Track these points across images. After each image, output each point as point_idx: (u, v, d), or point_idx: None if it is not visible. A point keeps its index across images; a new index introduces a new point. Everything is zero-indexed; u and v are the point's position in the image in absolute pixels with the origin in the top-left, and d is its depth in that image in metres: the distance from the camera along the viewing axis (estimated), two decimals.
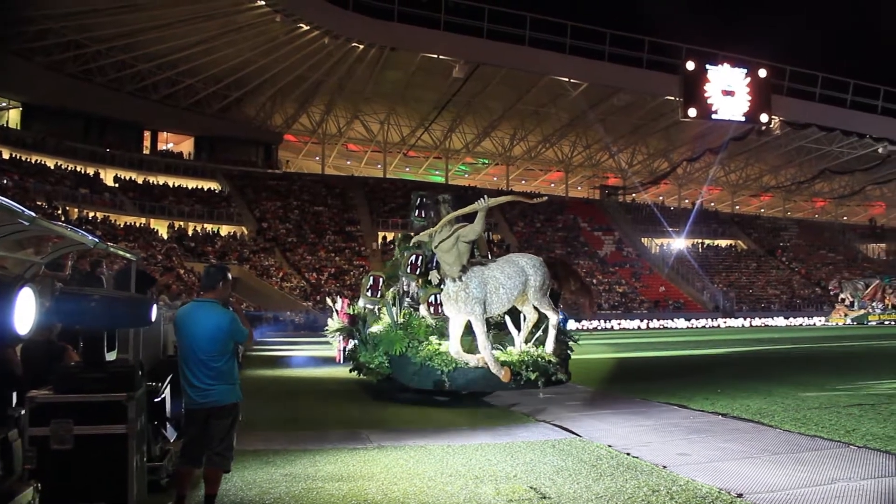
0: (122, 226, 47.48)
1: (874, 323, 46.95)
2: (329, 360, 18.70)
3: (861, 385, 11.92)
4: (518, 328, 10.97)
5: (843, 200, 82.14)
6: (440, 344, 10.69)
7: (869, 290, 49.44)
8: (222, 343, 5.02)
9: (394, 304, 11.77)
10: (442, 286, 10.98)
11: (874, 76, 68.69)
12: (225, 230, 53.59)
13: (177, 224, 51.54)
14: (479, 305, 9.52)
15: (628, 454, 6.48)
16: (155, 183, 55.11)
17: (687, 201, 78.33)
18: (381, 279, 12.70)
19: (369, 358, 11.62)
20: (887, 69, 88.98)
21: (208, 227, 53.09)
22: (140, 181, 54.46)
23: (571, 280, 11.58)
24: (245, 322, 5.26)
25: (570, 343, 11.82)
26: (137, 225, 49.05)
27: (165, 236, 49.71)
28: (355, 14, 49.12)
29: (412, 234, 12.81)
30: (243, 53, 50.88)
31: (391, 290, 12.15)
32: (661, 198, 78.48)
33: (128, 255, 7.82)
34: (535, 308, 10.54)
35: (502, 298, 9.87)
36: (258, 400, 11.00)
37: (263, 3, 45.82)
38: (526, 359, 10.40)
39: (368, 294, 12.68)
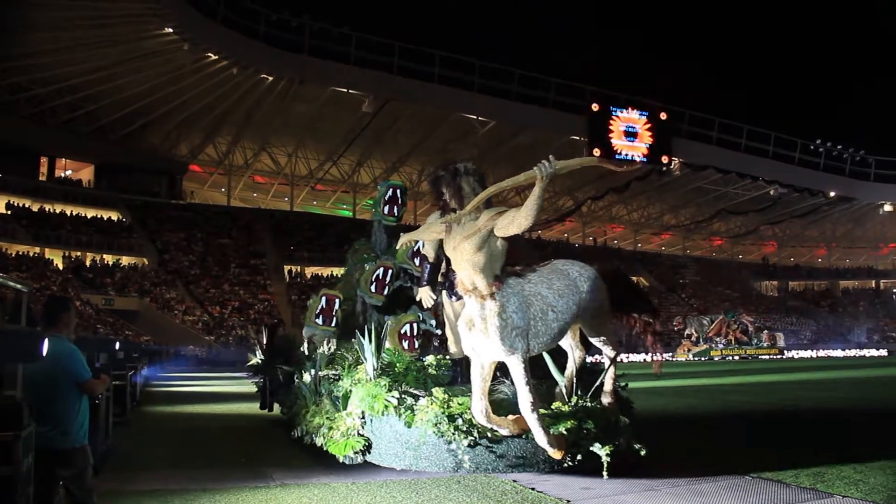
0: (13, 255, 45.52)
1: (717, 358, 47.29)
2: (234, 397, 18.17)
3: (748, 415, 12.27)
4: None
5: (738, 239, 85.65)
6: (451, 399, 7.24)
7: (713, 325, 49.98)
8: (59, 382, 4.56)
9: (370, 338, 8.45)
10: (421, 313, 8.50)
11: (766, 122, 72.26)
12: (125, 261, 51.90)
13: (73, 254, 49.64)
14: (522, 339, 6.04)
15: (533, 489, 6.48)
16: (51, 211, 53.01)
17: (591, 239, 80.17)
18: (336, 301, 9.78)
19: (328, 420, 8.19)
20: (778, 116, 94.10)
21: (107, 257, 51.28)
22: (35, 209, 52.34)
23: (636, 301, 7.88)
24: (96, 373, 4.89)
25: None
26: (31, 254, 47.06)
27: (61, 266, 47.83)
28: (265, 45, 48.92)
29: (374, 238, 10.39)
30: (149, 80, 49.85)
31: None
32: (565, 235, 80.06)
33: (18, 286, 7.46)
34: (581, 340, 7.42)
35: (552, 327, 6.29)
36: (156, 437, 10.59)
37: (171, 30, 45.15)
38: (586, 420, 6.87)
39: (319, 321, 9.58)
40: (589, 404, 7.10)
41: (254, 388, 15.77)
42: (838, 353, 52.86)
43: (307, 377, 9.55)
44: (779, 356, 49.17)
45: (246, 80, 50.85)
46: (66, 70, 47.60)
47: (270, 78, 50.84)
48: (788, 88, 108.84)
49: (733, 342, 49.71)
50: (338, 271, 51.20)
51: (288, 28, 49.80)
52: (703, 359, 46.80)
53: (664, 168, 63.92)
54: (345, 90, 52.54)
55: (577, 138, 60.27)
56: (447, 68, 54.67)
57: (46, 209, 52.95)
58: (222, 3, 46.80)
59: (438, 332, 8.89)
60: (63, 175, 59.72)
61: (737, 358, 47.40)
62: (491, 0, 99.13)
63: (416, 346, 8.45)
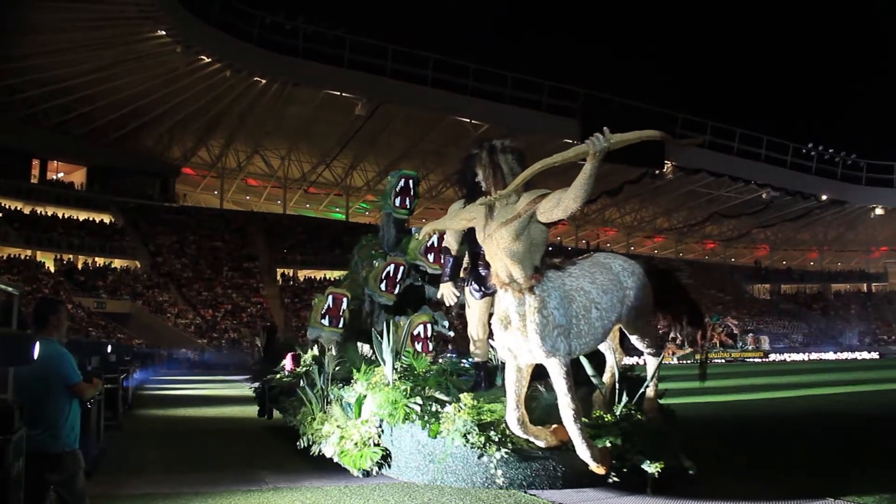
0: (4, 258, 45.33)
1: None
2: (227, 400, 18.11)
3: (740, 418, 12.30)
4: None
5: (731, 243, 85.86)
6: (481, 407, 6.55)
7: None
8: (49, 385, 4.51)
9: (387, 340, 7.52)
10: (434, 313, 8.05)
11: (759, 126, 72.48)
12: (117, 264, 51.68)
13: (65, 257, 49.42)
14: (564, 338, 5.40)
15: (525, 492, 6.49)
16: (43, 214, 52.74)
17: (583, 242, 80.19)
18: (343, 300, 9.12)
19: (339, 429, 7.56)
20: (770, 120, 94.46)
21: (99, 260, 51.06)
22: (27, 211, 52.06)
23: (677, 299, 7.18)
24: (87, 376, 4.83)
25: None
26: (22, 257, 46.85)
27: (53, 269, 47.63)
28: (258, 48, 48.79)
29: (385, 231, 9.56)
30: (142, 83, 49.68)
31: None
32: (558, 238, 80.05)
33: (9, 290, 7.43)
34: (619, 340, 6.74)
35: (595, 326, 5.64)
36: (149, 441, 10.55)
37: (164, 33, 45.07)
38: (633, 432, 6.17)
39: (325, 322, 8.99)
40: (635, 414, 6.49)
41: (247, 391, 15.66)
42: (830, 355, 52.93)
43: (314, 381, 8.86)
44: (764, 359, 49.07)
45: (239, 82, 50.77)
46: (60, 72, 47.44)
47: (264, 80, 50.75)
48: (781, 92, 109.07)
49: (718, 345, 49.72)
50: (331, 274, 51.19)
51: (282, 31, 49.72)
52: (687, 361, 46.79)
53: (657, 171, 64.11)
54: (338, 93, 52.50)
55: (571, 141, 60.29)
56: (441, 71, 54.67)
57: (38, 212, 52.68)
58: (216, 6, 46.74)
59: (451, 333, 8.54)
60: (55, 177, 59.44)
61: (721, 361, 47.39)
62: (485, 3, 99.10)
63: (430, 348, 7.93)
